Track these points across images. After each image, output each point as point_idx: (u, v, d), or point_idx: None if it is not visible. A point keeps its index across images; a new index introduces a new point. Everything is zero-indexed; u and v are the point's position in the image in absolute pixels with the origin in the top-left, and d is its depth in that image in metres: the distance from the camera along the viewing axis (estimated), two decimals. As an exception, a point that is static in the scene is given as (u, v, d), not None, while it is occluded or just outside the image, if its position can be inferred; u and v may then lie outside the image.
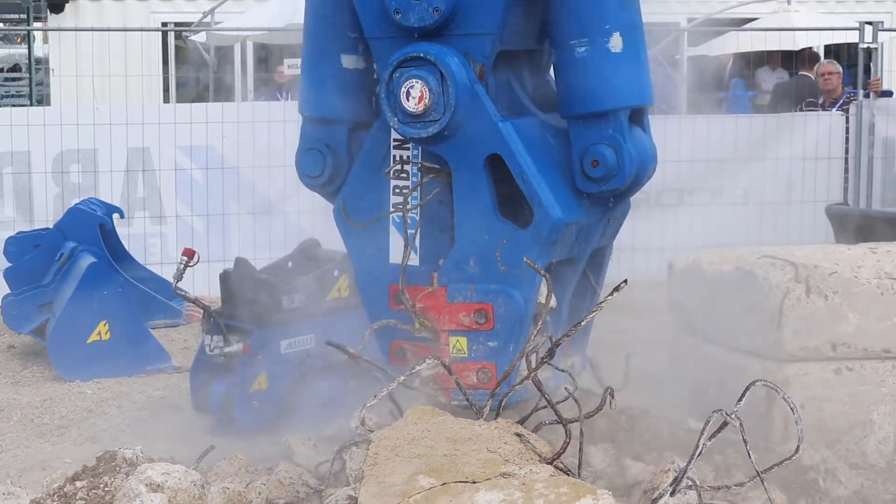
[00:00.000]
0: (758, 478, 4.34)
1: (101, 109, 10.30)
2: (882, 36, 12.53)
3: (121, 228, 8.96)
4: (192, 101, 13.93)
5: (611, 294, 4.50)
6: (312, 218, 9.04)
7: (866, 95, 11.59)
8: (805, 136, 11.28)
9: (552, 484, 3.95)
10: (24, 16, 20.44)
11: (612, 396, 4.58)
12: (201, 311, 6.32)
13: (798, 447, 4.40)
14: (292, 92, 14.20)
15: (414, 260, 5.23)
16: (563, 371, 4.94)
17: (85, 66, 13.97)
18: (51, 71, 16.95)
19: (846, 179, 11.38)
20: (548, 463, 4.20)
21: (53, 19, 16.96)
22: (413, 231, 5.22)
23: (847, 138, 11.38)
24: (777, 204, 11.16)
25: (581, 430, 4.46)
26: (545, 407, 4.58)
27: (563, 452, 4.27)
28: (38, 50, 20.20)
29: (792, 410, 4.44)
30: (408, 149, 5.28)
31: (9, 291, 8.54)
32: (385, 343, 5.31)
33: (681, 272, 6.26)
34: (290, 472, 4.82)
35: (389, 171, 5.30)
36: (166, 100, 16.39)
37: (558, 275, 5.28)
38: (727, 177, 11.12)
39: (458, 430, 4.29)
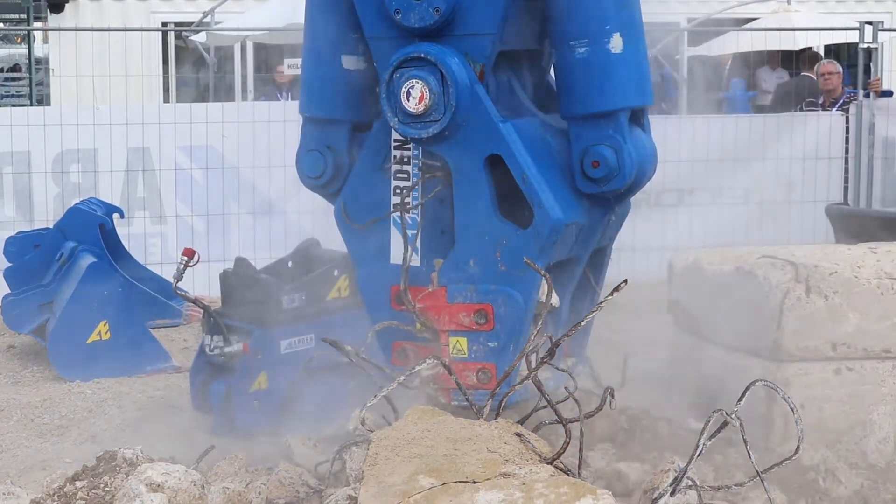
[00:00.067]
0: (758, 478, 4.34)
1: (101, 109, 10.30)
2: (882, 36, 12.53)
3: (121, 228, 8.95)
4: (192, 101, 13.92)
5: (611, 294, 4.50)
6: (312, 218, 9.06)
7: (866, 95, 11.59)
8: (805, 136, 11.28)
9: (552, 484, 3.95)
10: (24, 16, 20.43)
11: (612, 396, 4.58)
12: (201, 311, 6.32)
13: (798, 447, 4.40)
14: (292, 92, 14.23)
15: (415, 260, 5.24)
16: (563, 371, 4.94)
17: (85, 66, 13.98)
18: (51, 71, 16.96)
19: (846, 179, 11.38)
20: (548, 463, 4.20)
21: (53, 19, 16.97)
22: (414, 231, 5.22)
23: (847, 138, 11.38)
24: (777, 204, 11.16)
25: (581, 430, 4.46)
26: (545, 407, 4.57)
27: (563, 452, 4.27)
28: (38, 50, 20.20)
29: (792, 410, 4.44)
30: (408, 149, 5.28)
31: (9, 291, 8.54)
32: (387, 343, 5.31)
33: (681, 272, 6.26)
34: (290, 472, 4.82)
35: (389, 168, 5.30)
36: (166, 100, 16.40)
37: (558, 275, 5.28)
38: (727, 177, 11.12)
39: (458, 430, 4.29)
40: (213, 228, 10.25)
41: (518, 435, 4.30)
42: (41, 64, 19.49)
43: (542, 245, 5.04)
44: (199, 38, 14.93)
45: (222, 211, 10.30)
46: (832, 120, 11.48)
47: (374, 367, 5.13)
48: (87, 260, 8.04)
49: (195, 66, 16.29)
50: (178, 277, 6.23)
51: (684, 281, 6.22)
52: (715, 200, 11.08)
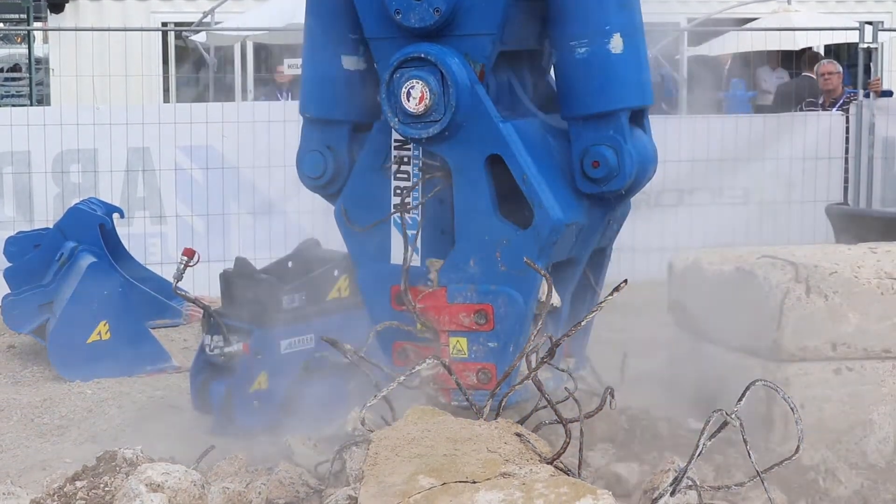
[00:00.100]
0: (758, 478, 4.34)
1: (101, 109, 10.30)
2: (882, 36, 12.53)
3: (121, 228, 8.96)
4: (192, 101, 13.92)
5: (611, 294, 4.50)
6: (312, 218, 9.06)
7: (866, 95, 11.59)
8: (805, 135, 11.28)
9: (552, 484, 3.95)
10: (24, 16, 20.43)
11: (612, 396, 4.58)
12: (201, 311, 6.32)
13: (798, 447, 4.40)
14: (292, 92, 14.22)
15: (415, 260, 5.24)
16: (562, 371, 4.94)
17: (85, 66, 13.98)
18: (51, 71, 16.96)
19: (846, 179, 11.38)
20: (548, 463, 4.20)
21: (53, 19, 16.97)
22: (414, 231, 5.22)
23: (847, 138, 11.38)
24: (777, 204, 11.16)
25: (581, 430, 4.46)
26: (545, 407, 4.58)
27: (563, 452, 4.27)
28: (38, 50, 20.19)
29: (792, 410, 4.44)
30: (408, 149, 5.28)
31: (9, 291, 8.54)
32: (387, 344, 5.31)
33: (681, 272, 6.26)
34: (290, 472, 4.82)
35: (389, 168, 5.30)
36: (166, 100, 16.39)
37: (558, 275, 5.28)
38: (727, 177, 11.13)
39: (458, 430, 4.29)
40: (213, 228, 10.25)
41: (518, 435, 4.30)
42: (41, 64, 19.48)
43: (543, 245, 5.04)
44: (199, 38, 14.92)
45: (222, 211, 10.30)
46: (832, 120, 11.48)
47: (374, 366, 5.13)
48: (87, 260, 8.04)
49: (195, 66, 16.28)
50: (178, 277, 6.23)
51: (684, 281, 6.22)
52: (715, 200, 11.08)
